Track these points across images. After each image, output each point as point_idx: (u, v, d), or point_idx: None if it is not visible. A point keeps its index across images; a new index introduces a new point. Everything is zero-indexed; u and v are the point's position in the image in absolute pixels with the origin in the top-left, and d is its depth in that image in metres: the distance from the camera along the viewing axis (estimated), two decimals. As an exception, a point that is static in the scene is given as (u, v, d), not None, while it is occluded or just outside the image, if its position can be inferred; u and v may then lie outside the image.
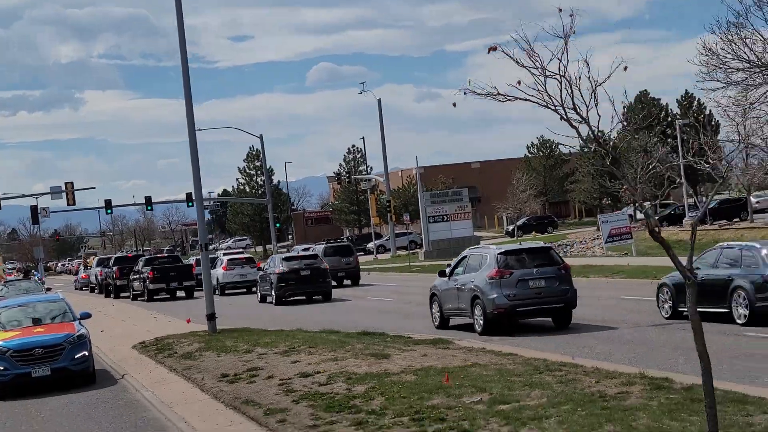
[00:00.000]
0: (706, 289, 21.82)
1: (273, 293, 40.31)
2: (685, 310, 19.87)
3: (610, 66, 8.90)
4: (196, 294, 49.26)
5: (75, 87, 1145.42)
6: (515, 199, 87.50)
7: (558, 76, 8.82)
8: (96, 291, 67.41)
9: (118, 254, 76.75)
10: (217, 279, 49.47)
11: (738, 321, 21.32)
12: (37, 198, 76.30)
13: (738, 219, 66.19)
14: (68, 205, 72.16)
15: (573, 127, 8.97)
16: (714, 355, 16.45)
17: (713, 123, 64.93)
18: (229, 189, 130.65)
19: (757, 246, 22.09)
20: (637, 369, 14.82)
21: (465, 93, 9.17)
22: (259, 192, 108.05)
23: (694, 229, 8.91)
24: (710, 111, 68.30)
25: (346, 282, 49.69)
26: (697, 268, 22.45)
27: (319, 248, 51.06)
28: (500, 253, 23.42)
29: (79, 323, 21.22)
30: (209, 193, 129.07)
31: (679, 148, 63.98)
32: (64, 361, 19.73)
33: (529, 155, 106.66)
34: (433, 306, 25.82)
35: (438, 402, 13.26)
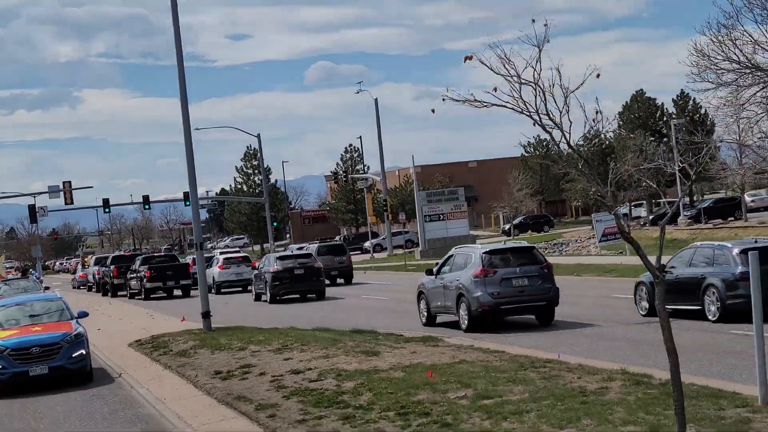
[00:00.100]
0: (680, 287, 22.46)
1: (267, 292, 40.70)
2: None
3: (592, 69, 9.19)
4: (192, 293, 49.54)
5: (73, 86, 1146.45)
6: (511, 198, 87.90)
7: (533, 84, 9.18)
8: (93, 290, 67.75)
9: (116, 253, 77.11)
10: (213, 278, 49.79)
11: (710, 318, 21.84)
12: (35, 197, 76.39)
13: (733, 218, 66.61)
14: (66, 203, 72.29)
15: (547, 132, 9.34)
16: (691, 351, 16.94)
17: (708, 123, 65.27)
18: (227, 188, 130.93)
19: (729, 245, 22.66)
20: (619, 365, 15.21)
21: (444, 99, 9.54)
22: (257, 191, 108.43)
23: (663, 230, 9.30)
24: (705, 110, 68.65)
25: (340, 281, 50.11)
26: (673, 267, 22.99)
27: (313, 247, 51.49)
28: (485, 253, 23.90)
29: (77, 322, 21.38)
30: (207, 192, 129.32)
31: (674, 148, 64.33)
32: (62, 359, 19.90)
33: (526, 154, 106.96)
34: (421, 303, 26.24)
35: (423, 397, 13.63)
